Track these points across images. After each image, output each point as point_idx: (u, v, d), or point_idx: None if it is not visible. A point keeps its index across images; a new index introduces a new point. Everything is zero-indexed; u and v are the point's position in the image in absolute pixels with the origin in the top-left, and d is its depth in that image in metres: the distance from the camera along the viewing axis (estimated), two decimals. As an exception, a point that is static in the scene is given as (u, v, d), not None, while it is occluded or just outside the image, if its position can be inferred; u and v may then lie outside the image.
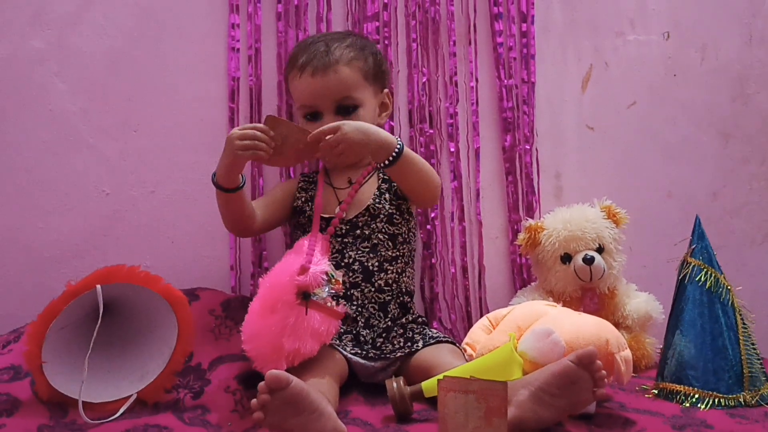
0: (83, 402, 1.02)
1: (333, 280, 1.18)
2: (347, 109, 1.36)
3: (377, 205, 1.36)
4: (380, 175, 1.41)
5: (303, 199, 1.40)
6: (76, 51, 1.49)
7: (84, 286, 1.06)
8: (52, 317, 1.05)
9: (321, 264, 1.16)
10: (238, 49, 1.53)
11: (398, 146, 1.25)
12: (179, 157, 1.51)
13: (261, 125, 1.24)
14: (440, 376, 0.95)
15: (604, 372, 0.96)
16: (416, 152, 1.56)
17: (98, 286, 1.06)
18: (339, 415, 1.04)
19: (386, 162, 1.26)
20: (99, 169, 1.50)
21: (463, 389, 0.90)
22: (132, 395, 1.08)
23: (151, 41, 1.52)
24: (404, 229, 1.38)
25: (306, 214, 1.37)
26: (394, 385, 1.05)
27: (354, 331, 1.27)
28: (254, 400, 0.90)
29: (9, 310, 1.42)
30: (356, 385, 1.21)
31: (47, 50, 1.49)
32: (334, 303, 1.18)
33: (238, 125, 1.51)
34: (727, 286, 1.20)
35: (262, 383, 0.90)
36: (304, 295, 1.11)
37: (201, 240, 1.36)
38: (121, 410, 1.05)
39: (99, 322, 1.05)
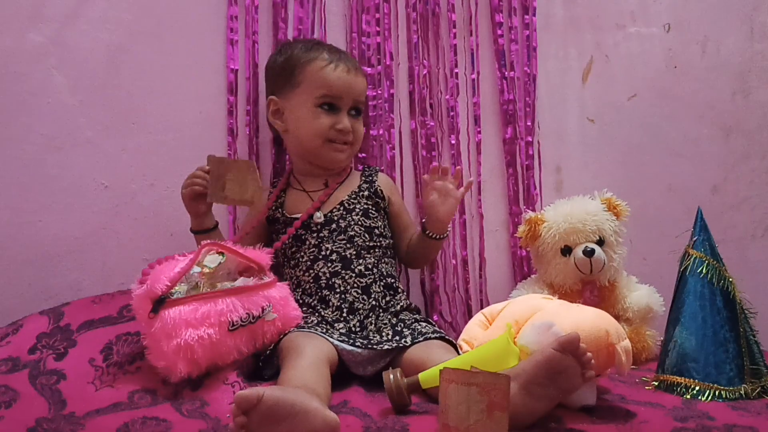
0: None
1: (205, 269, 1.16)
2: (359, 111, 1.43)
3: (352, 200, 1.40)
4: (363, 177, 1.45)
5: (273, 207, 1.43)
6: (76, 45, 1.49)
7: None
8: None
9: (169, 268, 1.12)
10: (237, 41, 1.53)
11: (448, 232, 1.45)
12: (178, 150, 1.51)
13: (201, 166, 1.35)
14: (441, 366, 0.95)
15: (589, 354, 0.96)
16: (417, 144, 1.58)
17: None
18: (337, 406, 1.05)
19: (437, 236, 1.40)
20: (98, 163, 1.49)
21: (466, 381, 0.89)
22: None
23: (150, 34, 1.51)
24: (380, 223, 1.41)
25: (280, 221, 1.42)
26: (391, 377, 1.04)
27: (342, 318, 1.29)
28: (231, 425, 0.89)
29: (8, 305, 1.41)
30: (356, 377, 1.21)
31: (46, 44, 1.48)
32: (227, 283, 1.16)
33: (236, 118, 1.52)
34: (728, 278, 1.19)
35: (234, 406, 0.89)
36: (158, 301, 1.08)
37: (200, 232, 1.36)
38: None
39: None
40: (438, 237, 1.40)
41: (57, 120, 1.48)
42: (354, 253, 1.35)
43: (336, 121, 1.38)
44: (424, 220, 1.41)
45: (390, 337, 1.25)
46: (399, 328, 1.28)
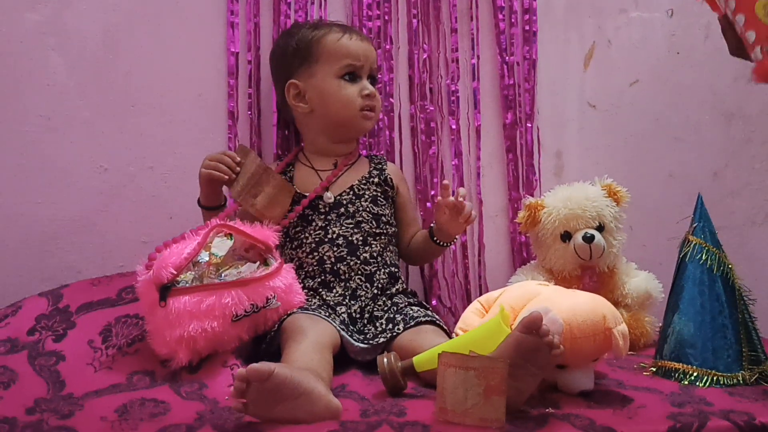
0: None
1: (213, 258, 1.15)
2: (375, 80, 1.45)
3: (362, 185, 1.39)
4: (372, 164, 1.44)
5: None
6: (74, 26, 1.48)
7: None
8: None
9: (176, 253, 1.12)
10: (238, 24, 1.52)
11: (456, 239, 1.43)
12: (178, 132, 1.50)
13: (230, 153, 1.32)
14: (434, 350, 0.94)
15: (551, 336, 0.95)
16: (417, 129, 1.57)
17: None
18: (336, 389, 1.05)
19: (444, 243, 1.39)
20: (97, 145, 1.49)
21: (464, 365, 0.90)
22: None
23: (149, 16, 1.50)
24: (387, 211, 1.41)
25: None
26: (385, 360, 1.04)
27: (344, 303, 1.29)
28: (232, 389, 0.89)
29: (7, 286, 1.42)
30: (354, 359, 1.21)
31: (45, 25, 1.47)
32: (233, 272, 1.15)
33: (237, 101, 1.51)
34: (728, 265, 1.19)
35: (241, 371, 0.88)
36: (164, 289, 1.08)
37: (199, 216, 1.35)
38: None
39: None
40: (445, 244, 1.40)
41: (55, 101, 1.47)
42: (360, 239, 1.35)
43: (361, 88, 1.39)
44: (432, 226, 1.39)
45: (384, 326, 1.26)
46: (392, 315, 1.28)
